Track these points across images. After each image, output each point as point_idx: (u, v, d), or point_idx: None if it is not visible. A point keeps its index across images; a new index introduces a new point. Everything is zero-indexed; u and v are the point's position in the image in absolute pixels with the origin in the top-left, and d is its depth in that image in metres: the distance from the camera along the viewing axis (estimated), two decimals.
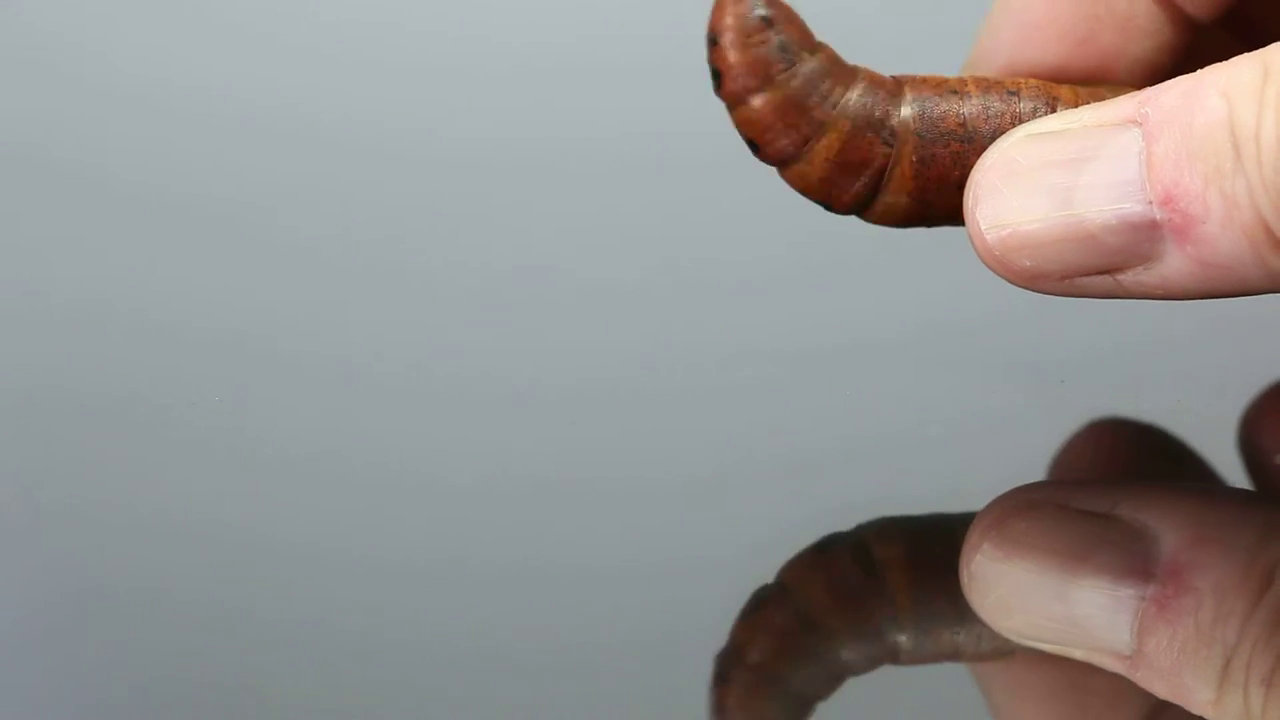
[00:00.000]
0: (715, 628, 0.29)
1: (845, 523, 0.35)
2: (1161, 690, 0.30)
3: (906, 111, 0.37)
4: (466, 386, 0.41)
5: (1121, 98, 0.36)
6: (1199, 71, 0.35)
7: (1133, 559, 0.34)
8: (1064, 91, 0.37)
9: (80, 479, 0.35)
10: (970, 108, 0.37)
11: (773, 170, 0.37)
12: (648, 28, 0.63)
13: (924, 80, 0.37)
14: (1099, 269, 0.36)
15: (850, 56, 0.37)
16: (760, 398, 0.40)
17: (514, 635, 0.28)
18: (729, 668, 0.32)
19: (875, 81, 0.37)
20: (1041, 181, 0.36)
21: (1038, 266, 0.36)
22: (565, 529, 0.33)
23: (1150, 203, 0.35)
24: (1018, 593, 0.34)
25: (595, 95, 0.59)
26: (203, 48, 0.62)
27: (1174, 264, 0.35)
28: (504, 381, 0.41)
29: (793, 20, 0.36)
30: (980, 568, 0.35)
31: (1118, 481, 0.37)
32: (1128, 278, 0.36)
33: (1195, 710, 0.29)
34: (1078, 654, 0.31)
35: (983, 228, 0.36)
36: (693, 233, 0.45)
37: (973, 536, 0.36)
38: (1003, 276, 0.36)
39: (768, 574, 0.31)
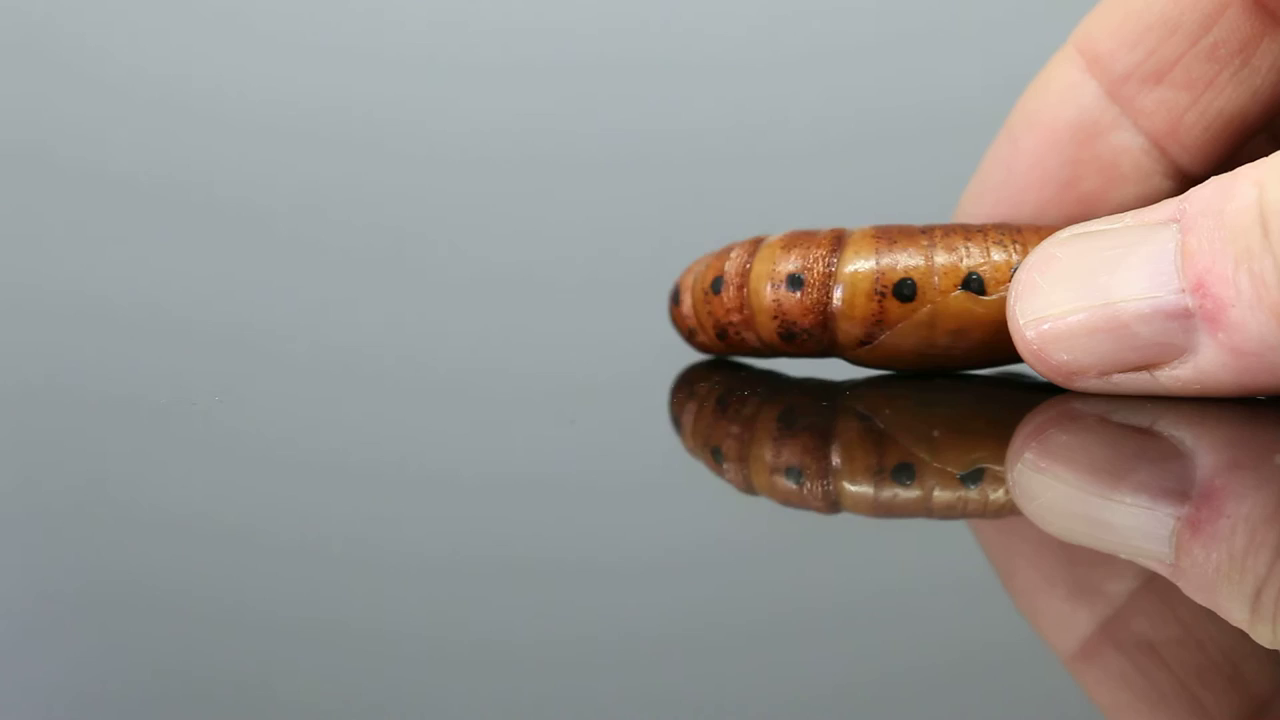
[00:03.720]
0: (716, 626, 0.29)
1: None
2: (1202, 601, 0.30)
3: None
4: (467, 384, 0.41)
5: (1165, 201, 0.36)
6: (1238, 169, 0.35)
7: (1170, 478, 0.34)
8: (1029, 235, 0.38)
9: (81, 476, 0.35)
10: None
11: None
12: (648, 27, 0.62)
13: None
14: (1135, 364, 0.36)
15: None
16: (762, 395, 0.39)
17: (514, 633, 0.28)
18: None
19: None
20: (1078, 275, 0.36)
21: (1075, 360, 0.36)
22: (565, 527, 0.33)
23: (1183, 290, 0.34)
24: (1058, 503, 0.34)
25: (595, 94, 0.59)
26: (207, 44, 0.62)
27: (1208, 355, 0.35)
28: (504, 379, 0.41)
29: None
30: (1022, 475, 0.35)
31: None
32: (1164, 374, 0.36)
33: (1233, 624, 0.29)
34: (1121, 556, 0.31)
35: (1021, 323, 0.36)
36: (694, 232, 0.45)
37: (1015, 444, 0.36)
38: (1042, 374, 0.37)
39: (771, 572, 0.31)
